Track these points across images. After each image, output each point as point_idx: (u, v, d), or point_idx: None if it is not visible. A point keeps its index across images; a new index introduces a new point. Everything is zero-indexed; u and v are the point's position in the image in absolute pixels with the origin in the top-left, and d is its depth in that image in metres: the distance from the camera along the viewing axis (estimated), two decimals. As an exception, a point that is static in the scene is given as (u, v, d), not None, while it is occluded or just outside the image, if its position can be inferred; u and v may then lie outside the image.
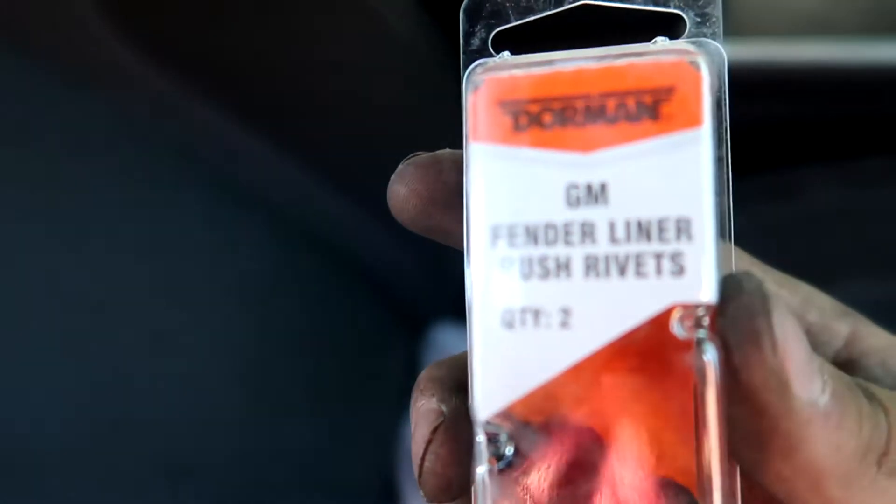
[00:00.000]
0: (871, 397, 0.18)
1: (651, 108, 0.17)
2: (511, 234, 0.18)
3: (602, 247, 0.17)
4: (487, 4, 0.21)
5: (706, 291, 0.17)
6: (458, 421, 0.20)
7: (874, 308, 0.25)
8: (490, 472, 0.18)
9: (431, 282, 0.83)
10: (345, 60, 0.70)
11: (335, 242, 0.74)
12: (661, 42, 0.19)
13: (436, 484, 0.20)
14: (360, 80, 0.72)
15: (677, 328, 0.17)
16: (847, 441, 0.17)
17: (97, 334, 0.56)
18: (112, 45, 0.58)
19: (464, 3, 0.21)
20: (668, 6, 0.20)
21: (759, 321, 0.16)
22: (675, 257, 0.17)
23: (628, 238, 0.17)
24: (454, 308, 0.85)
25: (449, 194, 0.20)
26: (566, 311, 0.18)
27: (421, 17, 0.76)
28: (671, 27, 0.20)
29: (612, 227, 0.17)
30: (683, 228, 0.17)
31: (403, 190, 0.21)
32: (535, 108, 0.18)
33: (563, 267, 0.18)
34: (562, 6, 0.20)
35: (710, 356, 0.17)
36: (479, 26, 0.21)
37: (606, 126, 0.17)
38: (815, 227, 0.70)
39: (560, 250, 0.18)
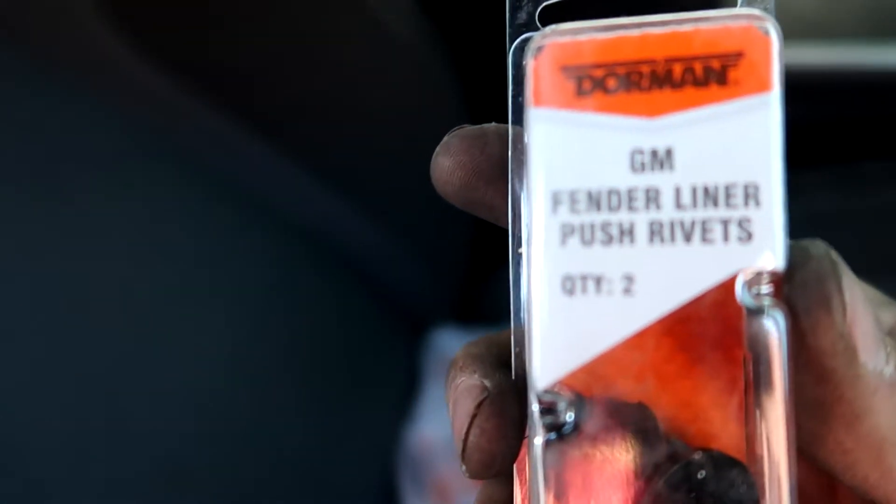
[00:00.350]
0: None
1: (719, 73, 0.17)
2: (573, 200, 0.18)
3: (667, 212, 0.17)
4: None
5: (775, 257, 0.17)
6: (502, 396, 0.20)
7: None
8: (545, 442, 0.18)
9: (432, 285, 0.83)
10: (345, 62, 0.70)
11: (335, 245, 0.74)
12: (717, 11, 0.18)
13: (480, 459, 0.20)
14: (361, 81, 0.72)
15: (744, 295, 0.17)
16: None
17: (94, 337, 0.56)
18: (112, 46, 0.58)
19: None
20: None
21: (829, 285, 0.17)
22: (743, 223, 0.17)
23: (694, 204, 0.17)
24: (454, 311, 0.85)
25: (494, 167, 0.20)
26: (629, 278, 0.17)
27: (420, 19, 0.76)
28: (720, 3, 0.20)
29: (677, 192, 0.17)
30: (752, 194, 0.17)
31: (448, 162, 0.20)
32: (599, 73, 0.17)
33: (627, 233, 0.17)
34: None
35: (779, 321, 0.17)
36: (525, 2, 0.20)
37: (672, 91, 0.17)
38: (814, 229, 0.70)
39: (623, 216, 0.17)
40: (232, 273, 0.66)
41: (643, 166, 0.17)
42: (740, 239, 0.17)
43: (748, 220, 0.17)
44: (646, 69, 0.17)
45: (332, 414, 0.73)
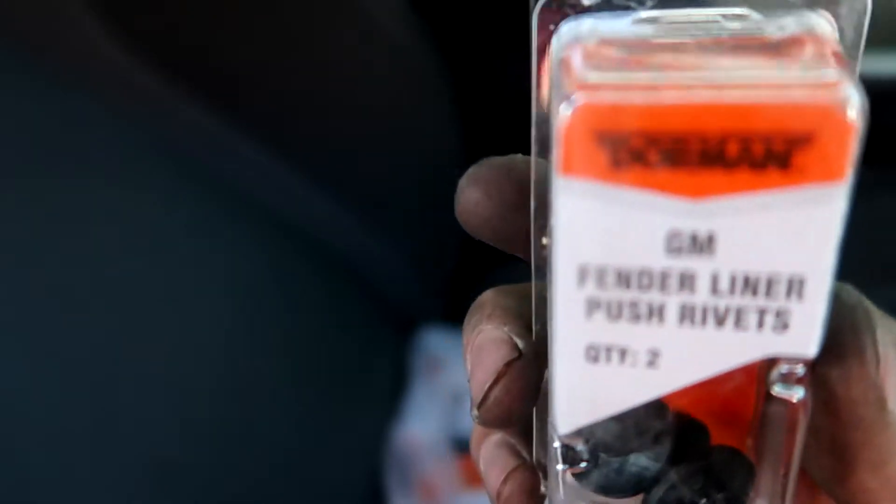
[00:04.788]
0: None
1: (781, 157, 0.14)
2: (600, 276, 0.16)
3: (701, 297, 0.16)
4: None
5: (811, 347, 0.16)
6: (530, 361, 0.20)
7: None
8: (564, 471, 0.19)
9: (420, 285, 0.83)
10: (336, 62, 0.70)
11: (325, 244, 0.74)
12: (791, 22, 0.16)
13: (499, 414, 0.20)
14: (353, 81, 0.72)
15: (778, 386, 0.17)
16: None
17: (85, 333, 0.56)
18: (106, 45, 0.57)
19: None
20: None
21: (863, 337, 0.17)
22: (781, 313, 0.15)
23: (732, 291, 0.16)
24: (443, 311, 0.85)
25: (519, 200, 0.19)
26: (654, 353, 0.16)
27: (412, 19, 0.76)
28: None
29: (714, 279, 0.15)
30: (795, 287, 0.15)
31: (475, 194, 0.20)
32: (638, 143, 0.15)
33: (656, 312, 0.16)
34: None
35: (802, 396, 0.17)
36: None
37: (724, 171, 0.15)
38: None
39: (654, 296, 0.16)
40: (221, 271, 0.66)
41: (680, 250, 0.15)
42: (775, 328, 0.16)
43: (787, 312, 0.15)
44: (695, 144, 0.15)
45: (319, 412, 0.73)
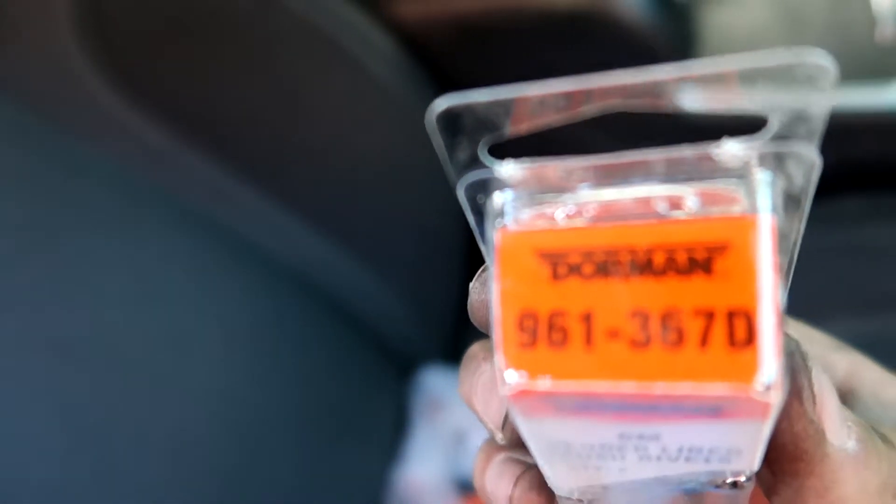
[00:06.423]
0: (884, 439, 0.20)
1: (711, 408, 0.16)
2: (567, 447, 0.19)
3: (654, 453, 0.18)
4: (467, 117, 0.17)
5: (755, 466, 0.18)
6: None
7: (854, 347, 0.26)
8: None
9: (420, 326, 0.83)
10: (330, 108, 0.71)
11: (324, 287, 0.74)
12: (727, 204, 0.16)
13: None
14: (349, 127, 0.73)
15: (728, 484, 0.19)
16: (871, 479, 0.19)
17: (85, 382, 0.56)
18: (106, 98, 0.58)
19: (433, 112, 0.17)
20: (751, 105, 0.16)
21: (801, 378, 0.18)
22: (724, 459, 0.18)
23: (679, 454, 0.18)
24: (443, 352, 0.85)
25: None
26: (623, 469, 0.19)
27: (404, 64, 0.77)
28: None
29: (664, 449, 0.18)
30: (734, 452, 0.18)
31: (483, 294, 0.21)
32: (577, 400, 0.17)
33: (618, 456, 0.18)
34: (576, 113, 0.17)
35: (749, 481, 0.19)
36: (462, 139, 0.17)
37: (661, 416, 0.17)
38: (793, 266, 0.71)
39: (616, 454, 0.18)
40: (221, 316, 0.66)
41: (631, 437, 0.18)
42: (721, 462, 0.18)
43: (729, 460, 0.18)
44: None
45: (320, 455, 0.73)
